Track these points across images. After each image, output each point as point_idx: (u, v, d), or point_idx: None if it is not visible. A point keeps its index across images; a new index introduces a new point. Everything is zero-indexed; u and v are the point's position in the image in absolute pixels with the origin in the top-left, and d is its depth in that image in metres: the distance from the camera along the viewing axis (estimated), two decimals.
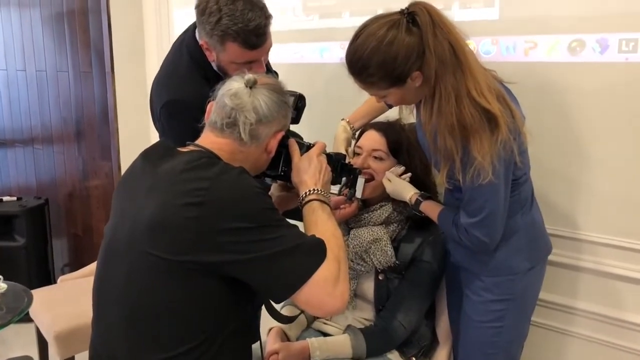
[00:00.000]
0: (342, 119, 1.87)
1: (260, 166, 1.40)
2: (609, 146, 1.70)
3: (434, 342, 1.84)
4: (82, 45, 3.29)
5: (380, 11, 1.43)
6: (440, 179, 1.46)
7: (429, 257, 1.73)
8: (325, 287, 1.21)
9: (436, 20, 1.34)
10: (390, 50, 1.33)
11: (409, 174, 1.72)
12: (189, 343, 1.23)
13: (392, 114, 1.84)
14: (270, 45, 1.69)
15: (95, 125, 3.34)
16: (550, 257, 1.69)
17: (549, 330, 1.89)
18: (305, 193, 1.39)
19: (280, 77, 1.57)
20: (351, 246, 1.74)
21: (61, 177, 3.71)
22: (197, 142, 1.35)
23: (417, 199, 1.65)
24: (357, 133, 1.88)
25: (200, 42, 1.68)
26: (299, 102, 1.53)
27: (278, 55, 2.32)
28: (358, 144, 1.83)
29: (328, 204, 1.40)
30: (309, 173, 1.41)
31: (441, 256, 1.74)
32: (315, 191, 1.39)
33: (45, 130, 3.73)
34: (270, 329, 1.77)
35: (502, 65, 1.59)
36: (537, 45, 1.78)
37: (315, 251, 1.24)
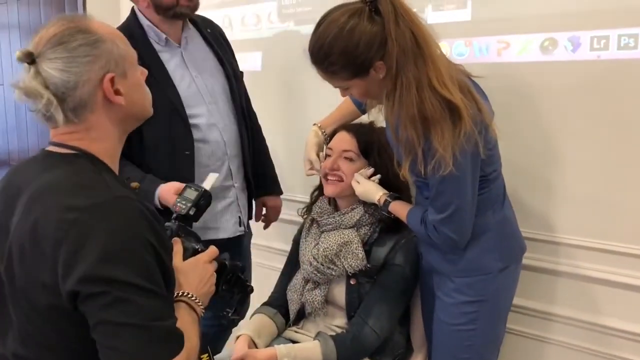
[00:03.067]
0: (314, 124, 1.84)
1: (130, 119, 1.16)
2: (583, 146, 1.66)
3: (408, 350, 1.78)
4: None
5: None
6: (402, 172, 1.42)
7: (401, 261, 1.68)
8: None
9: (399, 9, 1.31)
10: (352, 38, 1.31)
11: (378, 176, 1.69)
12: None
13: (365, 120, 1.80)
14: None
15: None
16: (525, 262, 1.64)
17: (525, 337, 1.83)
18: (177, 294, 1.17)
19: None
20: (321, 249, 1.70)
21: None
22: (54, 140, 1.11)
23: (385, 199, 1.61)
24: (329, 138, 1.84)
25: None
26: (201, 200, 1.40)
27: (255, 62, 2.33)
28: (329, 145, 1.79)
29: (197, 313, 1.18)
30: (189, 279, 1.20)
31: (414, 260, 1.69)
32: (188, 295, 1.17)
33: None
34: (238, 336, 1.70)
35: (475, 66, 1.56)
36: (510, 45, 1.76)
37: (169, 340, 1.03)
